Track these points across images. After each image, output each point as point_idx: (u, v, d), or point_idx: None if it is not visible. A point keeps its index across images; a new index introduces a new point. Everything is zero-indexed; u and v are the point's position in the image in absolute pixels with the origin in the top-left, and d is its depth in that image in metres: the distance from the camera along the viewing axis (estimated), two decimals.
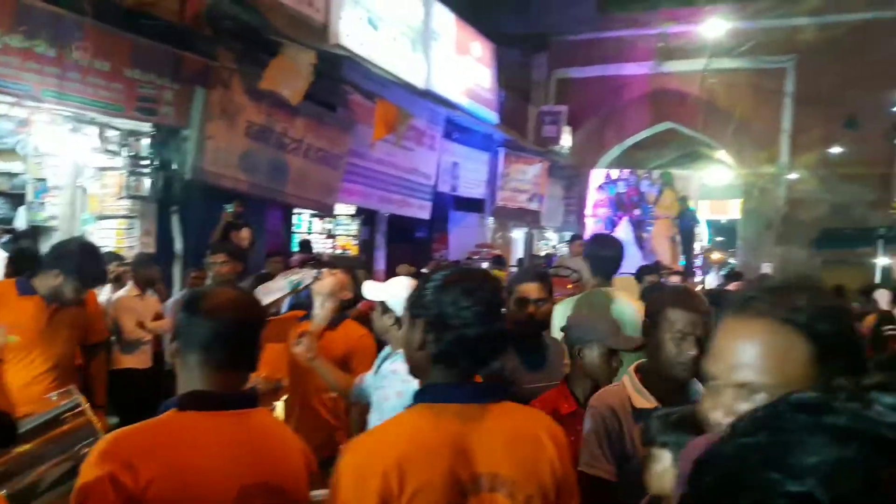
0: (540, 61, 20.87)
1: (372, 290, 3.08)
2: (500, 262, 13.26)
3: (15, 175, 8.29)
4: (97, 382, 4.15)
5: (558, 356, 3.35)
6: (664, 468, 1.81)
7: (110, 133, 7.64)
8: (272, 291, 4.10)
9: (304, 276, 3.96)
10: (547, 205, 18.73)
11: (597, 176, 19.86)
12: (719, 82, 18.71)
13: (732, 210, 24.39)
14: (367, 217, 13.53)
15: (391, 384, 2.77)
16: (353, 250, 13.44)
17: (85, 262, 3.76)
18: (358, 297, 3.73)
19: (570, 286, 7.28)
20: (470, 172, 15.64)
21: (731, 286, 10.47)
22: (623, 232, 18.42)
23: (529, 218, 18.35)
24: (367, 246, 13.59)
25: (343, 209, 12.88)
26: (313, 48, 8.52)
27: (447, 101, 13.41)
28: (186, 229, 8.27)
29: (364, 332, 3.73)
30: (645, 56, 19.49)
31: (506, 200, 17.10)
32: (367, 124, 10.17)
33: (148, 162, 7.95)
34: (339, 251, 13.11)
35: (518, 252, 18.49)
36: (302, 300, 4.40)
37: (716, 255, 24.44)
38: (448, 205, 15.39)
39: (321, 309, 3.76)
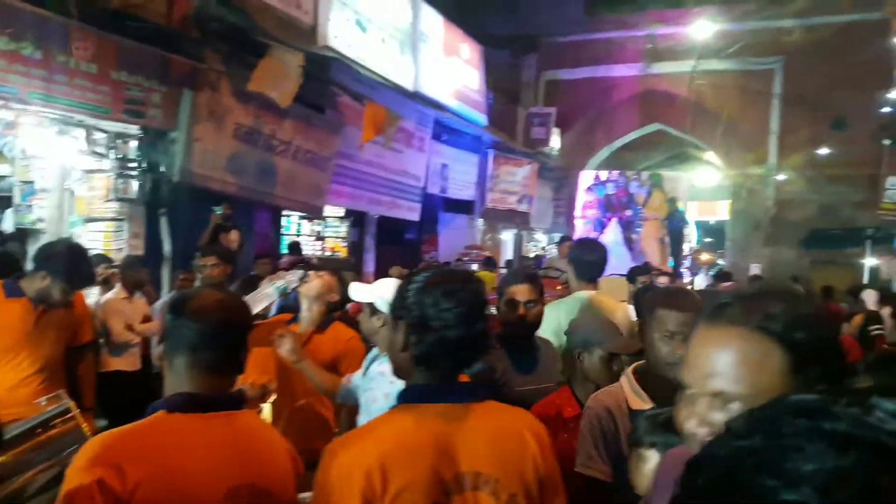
0: (529, 63, 20.91)
1: (359, 291, 3.08)
2: (490, 263, 13.29)
3: (2, 178, 8.24)
4: (85, 385, 4.12)
5: (550, 358, 3.35)
6: (651, 468, 1.81)
7: (98, 135, 7.62)
8: (260, 299, 4.08)
9: (291, 279, 3.95)
10: (536, 206, 18.77)
11: (586, 177, 19.92)
12: (707, 84, 18.80)
13: (721, 211, 24.50)
14: (356, 219, 13.52)
15: (379, 386, 2.77)
16: (342, 252, 13.43)
17: (72, 263, 3.74)
18: (345, 299, 3.72)
19: (559, 287, 7.28)
20: (459, 174, 15.66)
21: (722, 286, 10.50)
22: (612, 233, 18.49)
23: (519, 219, 18.38)
24: (356, 248, 13.58)
25: (332, 211, 12.87)
26: (301, 50, 8.51)
27: (436, 103, 13.43)
28: (175, 232, 8.24)
29: (353, 334, 3.72)
30: (633, 58, 19.56)
31: (495, 202, 17.13)
32: (356, 126, 10.17)
33: (136, 164, 7.93)
34: (328, 253, 13.09)
35: (507, 254, 18.51)
36: (290, 303, 4.39)
37: (705, 256, 24.53)
38: (437, 206, 15.39)
39: (308, 312, 3.75)
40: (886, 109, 15.68)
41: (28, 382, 3.68)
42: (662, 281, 8.13)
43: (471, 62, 15.52)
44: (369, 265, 13.42)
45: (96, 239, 8.00)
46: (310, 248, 12.62)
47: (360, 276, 11.24)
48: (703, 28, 16.84)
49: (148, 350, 6.44)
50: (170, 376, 1.86)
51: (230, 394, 1.91)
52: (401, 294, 1.75)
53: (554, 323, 3.49)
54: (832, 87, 16.75)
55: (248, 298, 3.96)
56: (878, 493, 0.55)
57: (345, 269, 4.90)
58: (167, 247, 8.25)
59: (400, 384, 1.80)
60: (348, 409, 3.61)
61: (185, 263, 7.14)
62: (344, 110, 10.69)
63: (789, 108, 18.15)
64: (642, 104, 20.24)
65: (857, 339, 6.90)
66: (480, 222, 17.42)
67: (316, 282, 3.77)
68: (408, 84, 12.36)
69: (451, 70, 14.38)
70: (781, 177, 18.61)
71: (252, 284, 6.36)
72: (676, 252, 18.51)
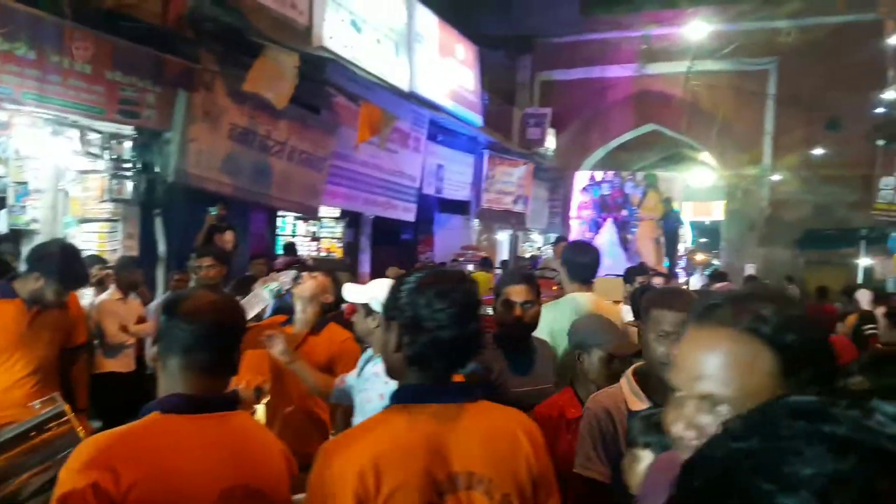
0: (524, 63, 20.95)
1: (353, 292, 3.07)
2: (486, 264, 13.30)
3: None
4: (78, 386, 4.11)
5: (547, 359, 3.35)
6: (645, 468, 1.81)
7: (92, 136, 7.60)
8: (255, 303, 4.07)
9: (284, 280, 3.93)
10: (532, 207, 18.79)
11: (581, 178, 19.91)
12: (702, 84, 18.86)
13: (716, 211, 24.56)
14: (351, 219, 13.51)
15: (374, 386, 2.77)
16: (337, 253, 13.42)
17: (65, 263, 3.72)
18: (340, 299, 3.71)
19: (555, 288, 7.30)
20: (455, 174, 15.67)
21: (717, 287, 10.51)
22: (608, 233, 18.48)
23: (514, 220, 18.39)
24: (351, 248, 13.57)
25: (327, 212, 12.86)
26: (296, 50, 8.50)
27: (431, 104, 13.43)
28: (169, 232, 8.23)
29: (348, 335, 3.70)
30: (628, 58, 19.61)
31: (491, 202, 17.14)
32: (352, 127, 10.16)
33: (130, 165, 7.90)
34: (323, 254, 13.08)
35: (503, 254, 18.53)
36: (285, 304, 4.38)
37: (700, 257, 24.57)
38: (433, 207, 15.40)
39: (303, 313, 3.74)
40: (880, 110, 15.72)
41: (22, 384, 3.67)
42: (658, 282, 8.13)
43: (466, 63, 15.53)
44: (365, 266, 13.41)
45: (91, 240, 7.97)
46: (305, 249, 12.61)
47: (355, 277, 11.24)
48: (697, 29, 16.90)
49: (142, 351, 6.42)
50: (163, 377, 1.86)
51: (224, 395, 1.91)
52: (394, 295, 1.75)
53: (547, 324, 3.49)
54: (826, 87, 16.81)
55: (242, 302, 3.96)
56: (877, 497, 0.54)
57: (340, 269, 4.88)
58: (162, 247, 8.23)
59: (394, 385, 1.80)
60: (343, 409, 3.61)
61: (180, 264, 7.13)
62: (339, 111, 10.68)
63: (784, 108, 18.22)
64: (637, 105, 20.28)
65: (852, 338, 6.92)
66: (476, 223, 17.44)
67: (309, 283, 3.76)
68: (403, 84, 12.36)
69: (446, 71, 14.39)
70: (776, 177, 18.68)
71: (246, 285, 6.35)
72: (672, 252, 18.50)
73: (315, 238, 13.40)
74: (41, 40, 6.33)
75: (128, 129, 7.70)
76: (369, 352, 2.99)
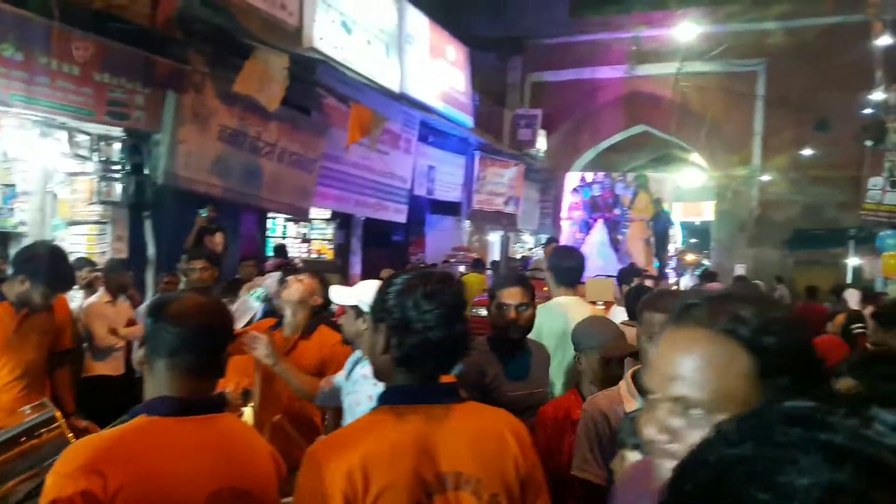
0: (514, 65, 20.99)
1: (341, 294, 3.05)
2: (479, 265, 13.30)
3: None
4: (64, 391, 4.08)
5: (542, 362, 3.35)
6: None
7: (81, 138, 7.56)
8: (244, 311, 4.05)
9: (269, 283, 3.91)
10: (523, 208, 18.81)
11: (572, 179, 19.97)
12: (692, 86, 18.93)
13: (706, 212, 24.66)
14: (342, 221, 13.49)
15: (362, 389, 2.75)
16: (328, 254, 13.39)
17: (51, 266, 3.70)
18: (328, 300, 3.69)
19: (546, 289, 7.29)
20: (446, 176, 15.67)
21: (707, 287, 10.54)
22: (598, 234, 18.54)
23: (506, 221, 18.41)
24: (342, 250, 13.55)
25: (318, 213, 12.84)
26: (286, 52, 8.49)
27: (422, 105, 13.43)
28: (159, 234, 8.19)
29: (339, 337, 3.68)
30: (618, 59, 19.66)
31: (482, 203, 17.15)
32: (342, 128, 10.14)
33: (119, 167, 7.87)
34: (314, 255, 13.06)
35: (494, 255, 18.54)
36: (274, 306, 4.37)
37: (690, 257, 24.64)
38: (424, 208, 15.40)
39: (293, 317, 3.71)
40: (868, 111, 15.82)
41: (9, 389, 3.64)
42: (648, 283, 8.14)
43: (457, 64, 15.54)
44: (356, 267, 13.40)
45: (79, 242, 7.95)
46: (295, 251, 12.58)
47: (346, 279, 11.22)
48: (687, 30, 16.96)
49: (132, 354, 6.39)
50: (150, 380, 1.85)
51: (211, 397, 1.90)
52: (381, 297, 1.75)
53: (535, 328, 3.50)
54: (815, 88, 16.91)
55: (232, 311, 3.94)
56: None
57: (330, 271, 4.87)
58: (151, 250, 8.19)
59: (383, 387, 1.79)
60: (333, 411, 3.59)
61: (170, 266, 7.10)
62: (330, 112, 10.67)
63: (773, 109, 18.31)
64: (627, 106, 20.35)
65: (841, 338, 6.94)
66: (467, 224, 17.44)
67: (296, 287, 3.72)
68: (394, 86, 12.36)
69: (437, 72, 14.40)
70: (765, 178, 18.77)
71: (234, 288, 6.33)
72: (662, 253, 18.57)
73: (306, 240, 13.38)
74: (29, 41, 6.30)
75: (117, 131, 7.67)
76: (357, 353, 2.97)
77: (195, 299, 1.95)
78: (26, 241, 7.20)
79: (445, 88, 14.76)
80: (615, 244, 18.44)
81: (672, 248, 21.13)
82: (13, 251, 6.68)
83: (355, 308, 2.95)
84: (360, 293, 2.86)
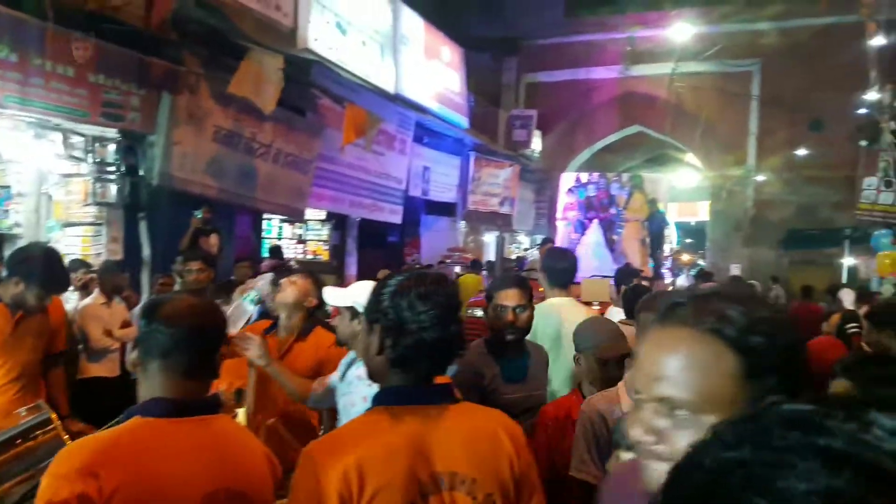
0: (509, 65, 21.00)
1: (335, 295, 3.04)
2: (476, 266, 13.31)
3: None
4: (59, 392, 4.07)
5: (541, 364, 3.35)
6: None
7: (75, 139, 7.55)
8: (239, 316, 4.04)
9: (261, 285, 3.89)
10: (518, 208, 18.83)
11: (567, 179, 19.96)
12: (686, 86, 18.96)
13: (701, 212, 24.71)
14: (338, 222, 13.49)
15: (357, 390, 2.75)
16: (324, 255, 13.39)
17: (46, 267, 3.69)
18: (323, 301, 3.68)
19: (541, 290, 7.29)
20: (441, 176, 15.68)
21: (703, 287, 10.56)
22: (594, 235, 18.52)
23: (501, 221, 18.42)
24: (338, 251, 13.54)
25: (313, 214, 12.83)
26: (281, 53, 8.48)
27: (417, 106, 13.44)
28: (154, 236, 8.18)
29: (334, 339, 3.67)
30: (613, 60, 19.70)
31: (477, 204, 17.16)
32: (337, 129, 10.15)
33: (114, 168, 7.85)
34: (310, 256, 13.05)
35: (490, 255, 18.54)
36: (269, 308, 4.35)
37: (685, 257, 24.67)
38: (420, 209, 15.40)
39: (288, 320, 3.69)
40: (862, 111, 15.87)
41: (4, 391, 3.63)
42: (644, 284, 8.15)
43: (451, 65, 15.54)
44: (351, 268, 13.40)
45: (74, 244, 7.93)
46: (291, 252, 12.57)
47: (342, 280, 11.22)
48: (681, 31, 16.99)
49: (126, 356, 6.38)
50: (144, 382, 1.85)
51: (205, 398, 1.90)
52: (376, 298, 1.76)
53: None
54: (809, 89, 16.97)
55: (227, 315, 3.93)
56: None
57: (325, 272, 4.87)
58: (146, 251, 8.18)
59: (378, 388, 1.79)
60: (329, 412, 3.58)
61: (165, 267, 7.08)
62: (325, 113, 10.67)
63: (767, 109, 18.36)
64: (622, 106, 20.38)
65: (836, 337, 6.96)
66: (462, 224, 17.45)
67: (290, 289, 3.70)
68: (388, 87, 12.35)
69: (431, 73, 14.40)
70: (760, 178, 18.82)
71: (228, 290, 6.31)
72: (657, 253, 18.58)
73: (301, 241, 13.37)
74: (23, 43, 6.28)
75: (111, 132, 7.65)
76: (351, 355, 2.96)
77: (188, 301, 1.96)
78: (21, 243, 7.18)
79: (440, 89, 14.77)
80: (611, 244, 18.43)
81: (667, 249, 21.13)
82: (7, 253, 6.67)
83: (350, 309, 2.94)
84: (354, 294, 2.85)
